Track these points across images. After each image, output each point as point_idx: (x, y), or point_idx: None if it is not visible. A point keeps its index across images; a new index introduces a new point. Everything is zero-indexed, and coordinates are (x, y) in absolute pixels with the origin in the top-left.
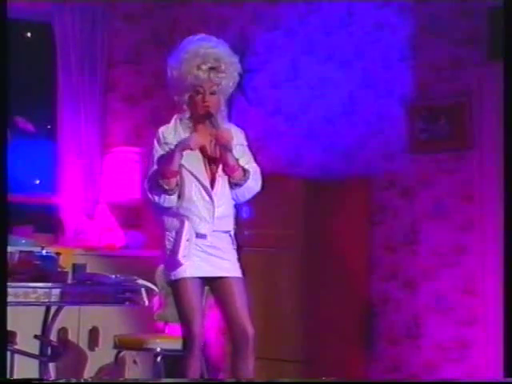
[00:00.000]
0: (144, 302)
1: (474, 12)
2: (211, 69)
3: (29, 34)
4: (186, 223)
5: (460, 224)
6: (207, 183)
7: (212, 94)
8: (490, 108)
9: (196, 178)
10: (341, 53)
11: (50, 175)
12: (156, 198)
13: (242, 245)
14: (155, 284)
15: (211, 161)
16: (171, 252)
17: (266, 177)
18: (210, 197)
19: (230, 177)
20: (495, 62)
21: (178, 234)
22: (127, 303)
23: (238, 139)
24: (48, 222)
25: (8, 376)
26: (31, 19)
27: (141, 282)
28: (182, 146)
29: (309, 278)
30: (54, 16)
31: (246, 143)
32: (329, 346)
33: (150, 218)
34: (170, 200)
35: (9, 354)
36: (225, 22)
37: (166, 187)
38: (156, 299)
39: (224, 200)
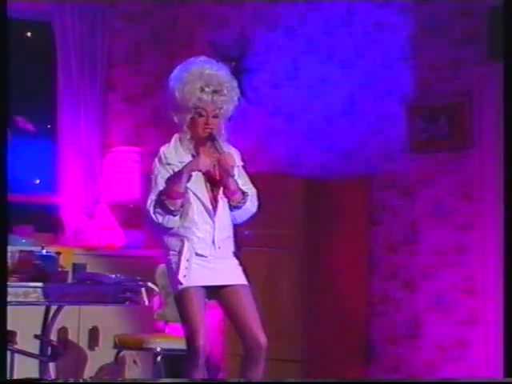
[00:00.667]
0: (144, 301)
1: (473, 12)
2: (214, 92)
3: (29, 34)
4: (186, 243)
5: (460, 224)
6: (209, 205)
7: (214, 117)
8: (490, 108)
9: (199, 199)
10: (341, 53)
11: (50, 175)
12: (160, 219)
13: (242, 245)
14: (155, 284)
15: (213, 183)
16: (174, 270)
17: (266, 177)
18: (212, 219)
19: (230, 200)
20: (495, 61)
21: (179, 253)
22: (127, 303)
23: (235, 160)
24: (48, 222)
25: (8, 376)
26: (31, 19)
27: (141, 281)
28: (191, 167)
29: (309, 278)
30: (54, 16)
31: (241, 164)
32: (329, 346)
33: None
34: (174, 221)
35: (9, 353)
36: (225, 22)
37: (172, 208)
38: (156, 299)
39: (225, 222)
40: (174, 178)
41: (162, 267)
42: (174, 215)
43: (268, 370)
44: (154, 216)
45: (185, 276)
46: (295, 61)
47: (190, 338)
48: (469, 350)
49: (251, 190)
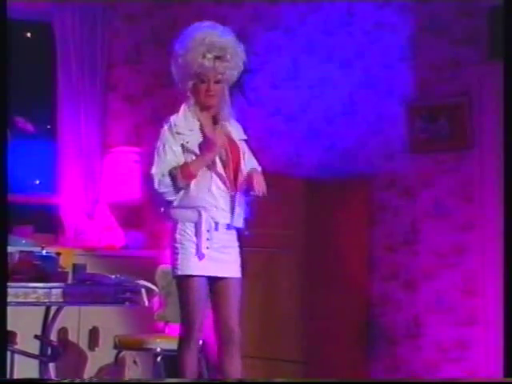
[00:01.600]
0: (144, 302)
1: (473, 12)
2: (216, 58)
3: (29, 34)
4: (204, 214)
5: (460, 224)
6: (232, 176)
7: (216, 82)
8: (490, 108)
9: (216, 172)
10: (341, 53)
11: (50, 175)
12: (163, 189)
13: (242, 245)
14: (155, 284)
15: (225, 161)
16: (186, 245)
17: (265, 177)
18: (234, 190)
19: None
20: (495, 61)
21: (197, 225)
22: (127, 303)
23: (239, 135)
24: (48, 222)
25: (8, 376)
26: (31, 19)
27: (141, 282)
28: (211, 149)
29: (309, 278)
30: (54, 16)
31: (245, 137)
32: (329, 346)
33: (150, 218)
34: (176, 195)
35: (9, 353)
36: (224, 22)
37: (181, 185)
38: (156, 299)
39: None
40: (195, 161)
41: (162, 268)
42: (178, 191)
43: (268, 370)
44: (157, 186)
45: (208, 248)
46: (295, 61)
47: (187, 322)
48: (469, 350)
49: (255, 164)
